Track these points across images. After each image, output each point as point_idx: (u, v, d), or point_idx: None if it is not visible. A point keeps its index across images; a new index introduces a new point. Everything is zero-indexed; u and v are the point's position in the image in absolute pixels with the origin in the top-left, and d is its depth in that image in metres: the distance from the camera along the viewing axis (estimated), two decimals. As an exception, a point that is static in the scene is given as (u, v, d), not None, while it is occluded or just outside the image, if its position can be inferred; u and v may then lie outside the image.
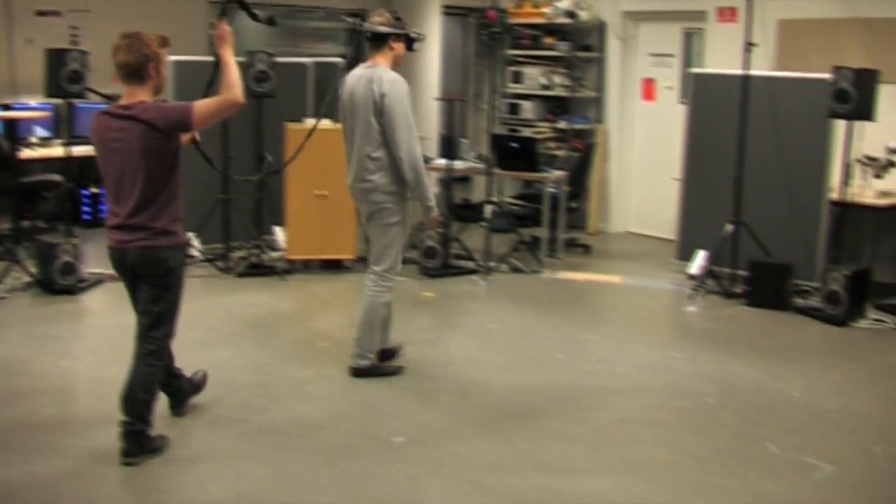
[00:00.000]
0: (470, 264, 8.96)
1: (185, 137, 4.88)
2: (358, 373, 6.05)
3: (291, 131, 8.38)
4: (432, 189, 6.02)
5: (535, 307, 7.90)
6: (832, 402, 5.90)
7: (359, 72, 5.89)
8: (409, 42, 5.98)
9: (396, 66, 5.92)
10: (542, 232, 9.46)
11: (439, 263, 8.76)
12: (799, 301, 7.99)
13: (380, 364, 6.10)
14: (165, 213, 4.65)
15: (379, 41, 5.86)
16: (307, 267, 8.78)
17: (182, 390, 5.34)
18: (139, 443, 4.73)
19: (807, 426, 5.53)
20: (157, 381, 4.87)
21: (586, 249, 10.05)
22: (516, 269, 9.01)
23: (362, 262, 8.77)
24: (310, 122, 8.61)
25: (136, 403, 4.72)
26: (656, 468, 4.92)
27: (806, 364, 6.62)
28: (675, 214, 9.24)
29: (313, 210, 8.53)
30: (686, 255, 8.85)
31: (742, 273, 8.17)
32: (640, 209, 11.06)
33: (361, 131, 5.79)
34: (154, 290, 4.72)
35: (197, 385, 5.48)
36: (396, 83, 5.73)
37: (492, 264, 8.90)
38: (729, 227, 8.21)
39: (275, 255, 8.85)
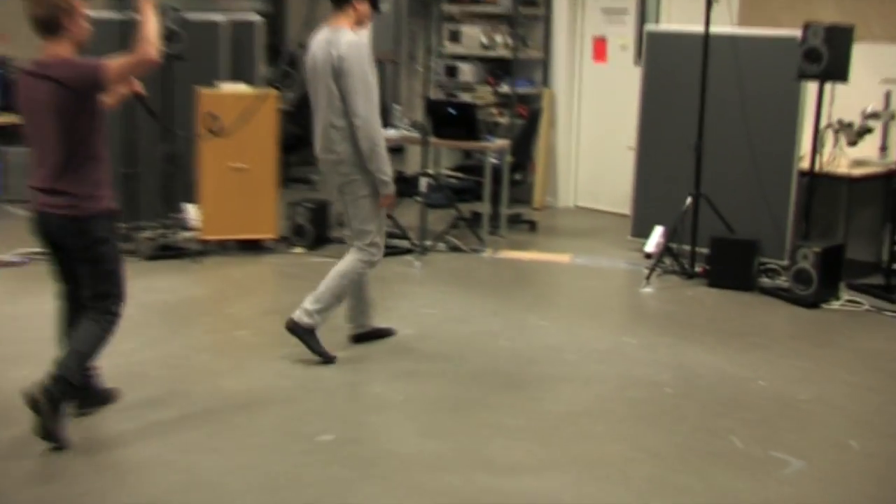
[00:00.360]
0: (404, 243, 8.95)
1: (122, 91, 5.15)
2: (295, 328, 6.05)
3: (204, 96, 8.30)
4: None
5: (476, 290, 7.91)
6: (802, 392, 5.96)
7: (321, 35, 5.99)
8: (374, 2, 6.08)
9: (361, 27, 6.03)
10: (484, 207, 9.46)
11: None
12: (765, 281, 8.08)
13: (316, 338, 6.08)
14: (89, 176, 4.80)
15: (341, 1, 5.95)
16: (223, 248, 8.71)
17: (91, 387, 5.26)
18: (50, 393, 4.67)
19: (774, 418, 5.58)
20: (99, 344, 4.94)
21: (532, 226, 10.08)
22: (455, 249, 9.02)
23: (284, 241, 8.77)
24: (226, 87, 8.56)
25: (69, 354, 4.80)
26: (610, 465, 4.93)
27: (773, 350, 6.69)
28: (629, 187, 9.30)
29: (230, 185, 8.45)
30: (641, 231, 8.91)
31: (703, 251, 8.23)
32: (591, 182, 11.10)
33: (324, 99, 5.93)
34: (87, 265, 4.86)
35: (107, 397, 5.39)
36: (355, 46, 5.85)
37: (428, 243, 8.90)
38: (688, 201, 8.26)
39: (187, 235, 8.76)
